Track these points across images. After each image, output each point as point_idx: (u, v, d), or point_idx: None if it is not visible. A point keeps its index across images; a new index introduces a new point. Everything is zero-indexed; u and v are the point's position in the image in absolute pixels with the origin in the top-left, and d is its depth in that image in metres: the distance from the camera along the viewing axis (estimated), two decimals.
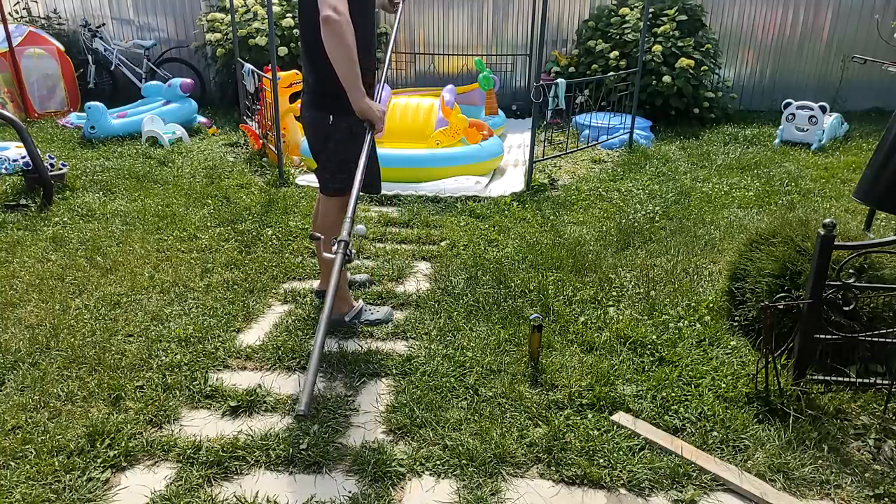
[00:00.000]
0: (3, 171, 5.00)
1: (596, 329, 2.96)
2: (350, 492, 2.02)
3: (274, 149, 5.32)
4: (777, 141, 6.61)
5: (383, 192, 4.93)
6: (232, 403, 2.41)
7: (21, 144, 4.61)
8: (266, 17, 6.99)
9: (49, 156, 4.89)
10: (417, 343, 2.86)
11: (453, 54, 8.89)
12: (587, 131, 6.46)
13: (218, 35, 7.65)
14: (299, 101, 6.36)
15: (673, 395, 2.48)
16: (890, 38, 7.84)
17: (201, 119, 7.18)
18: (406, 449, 2.21)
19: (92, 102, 6.33)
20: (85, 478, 2.04)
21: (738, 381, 2.54)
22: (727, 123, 7.54)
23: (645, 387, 2.53)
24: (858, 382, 2.46)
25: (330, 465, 2.14)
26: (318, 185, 2.90)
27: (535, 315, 2.64)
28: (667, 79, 7.11)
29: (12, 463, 2.10)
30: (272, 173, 5.28)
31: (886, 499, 2.02)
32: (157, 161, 5.64)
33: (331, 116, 2.65)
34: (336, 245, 2.19)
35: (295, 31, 7.37)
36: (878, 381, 2.45)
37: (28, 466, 2.08)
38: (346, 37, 2.35)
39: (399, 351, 2.80)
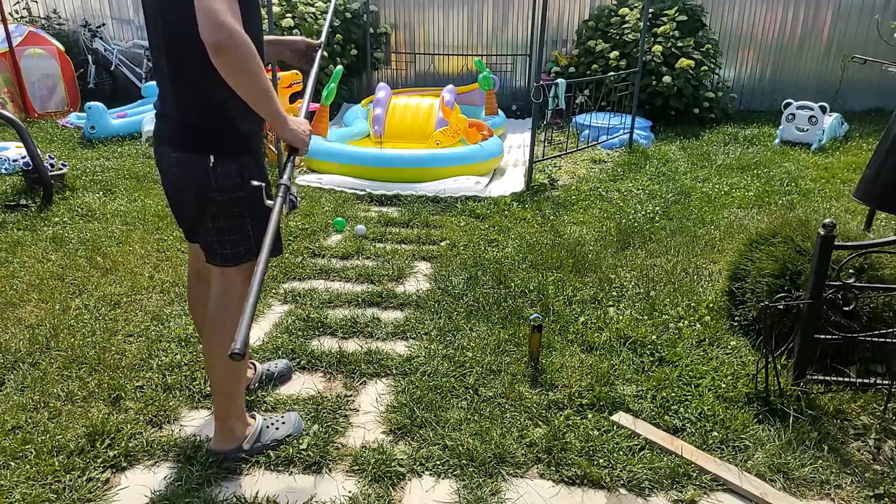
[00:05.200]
0: (3, 171, 5.00)
1: (596, 329, 2.96)
2: (350, 492, 2.02)
3: (274, 149, 5.32)
4: (777, 141, 6.61)
5: (383, 192, 4.95)
6: None
7: (21, 144, 4.61)
8: (266, 17, 6.98)
9: (49, 156, 4.89)
10: (417, 343, 2.86)
11: (453, 54, 8.89)
12: (587, 131, 6.46)
13: None
14: (299, 101, 6.36)
15: (673, 395, 2.48)
16: (890, 38, 7.84)
17: None
18: (406, 449, 2.21)
19: (92, 102, 6.33)
20: (85, 478, 2.04)
21: (738, 381, 2.54)
22: (727, 123, 7.54)
23: (645, 387, 2.53)
24: (858, 382, 2.46)
25: (330, 465, 2.14)
26: (205, 252, 2.04)
27: (535, 315, 2.64)
28: (667, 79, 7.11)
29: (12, 463, 2.10)
30: (272, 173, 5.28)
31: (886, 499, 2.02)
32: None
33: (211, 157, 1.86)
34: (277, 189, 1.82)
35: (295, 31, 7.37)
36: (878, 381, 2.45)
37: (28, 466, 2.08)
38: (249, 63, 1.67)
39: (399, 351, 2.80)
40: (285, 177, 1.84)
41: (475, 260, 3.71)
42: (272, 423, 2.23)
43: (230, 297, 2.02)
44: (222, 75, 1.68)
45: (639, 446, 2.22)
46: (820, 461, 2.16)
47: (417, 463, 2.14)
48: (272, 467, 2.13)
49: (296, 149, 1.93)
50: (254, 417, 2.22)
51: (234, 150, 1.89)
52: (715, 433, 2.28)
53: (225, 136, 1.87)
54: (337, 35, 7.96)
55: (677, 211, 4.58)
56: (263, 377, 2.54)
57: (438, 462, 2.14)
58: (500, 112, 7.33)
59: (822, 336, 2.39)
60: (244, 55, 1.65)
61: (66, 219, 4.28)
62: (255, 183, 1.88)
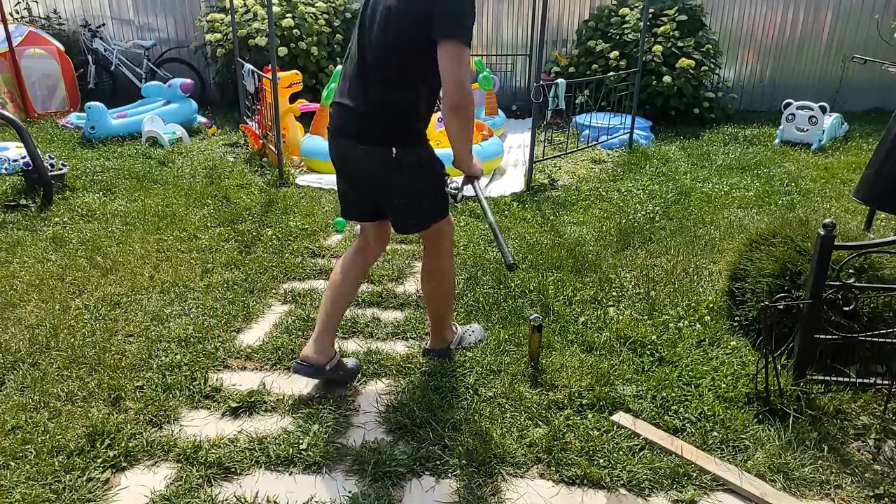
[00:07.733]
0: (3, 171, 5.00)
1: (596, 329, 2.96)
2: (350, 492, 2.02)
3: (274, 149, 5.32)
4: (777, 141, 6.61)
5: None
6: (232, 404, 2.41)
7: (21, 144, 4.61)
8: (266, 17, 6.99)
9: (49, 156, 4.89)
10: (417, 343, 2.86)
11: None
12: (587, 131, 6.46)
13: (218, 35, 7.64)
14: (299, 101, 6.35)
15: (673, 395, 2.48)
16: (890, 38, 7.84)
17: (201, 119, 7.18)
18: (406, 449, 2.21)
19: (92, 102, 6.33)
20: (85, 478, 2.04)
21: (738, 381, 2.54)
22: (727, 123, 7.54)
23: (645, 387, 2.53)
24: (858, 382, 2.46)
25: (330, 465, 2.14)
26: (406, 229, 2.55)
27: (535, 315, 2.63)
28: (667, 79, 7.11)
29: (12, 463, 2.10)
30: (272, 173, 5.28)
31: (886, 499, 2.02)
32: (157, 161, 5.64)
33: (394, 149, 2.32)
34: (466, 181, 2.49)
35: (295, 30, 7.36)
36: (878, 381, 2.45)
37: (28, 466, 2.08)
38: (470, 120, 2.27)
39: (399, 351, 2.80)
40: (481, 179, 2.54)
41: (475, 260, 3.71)
42: (467, 332, 2.83)
43: (443, 245, 2.56)
44: (448, 124, 2.26)
45: (639, 446, 2.22)
46: (820, 461, 2.16)
47: (417, 463, 2.14)
48: (272, 467, 2.13)
49: (473, 177, 2.49)
50: (455, 328, 2.79)
51: (412, 143, 2.36)
52: (715, 433, 2.28)
53: (407, 132, 2.35)
54: (337, 35, 7.96)
55: (677, 211, 4.58)
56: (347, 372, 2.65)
57: (438, 462, 2.14)
58: (500, 112, 7.33)
59: (822, 336, 2.39)
60: (470, 115, 2.25)
61: (66, 219, 4.28)
62: (453, 188, 2.51)
